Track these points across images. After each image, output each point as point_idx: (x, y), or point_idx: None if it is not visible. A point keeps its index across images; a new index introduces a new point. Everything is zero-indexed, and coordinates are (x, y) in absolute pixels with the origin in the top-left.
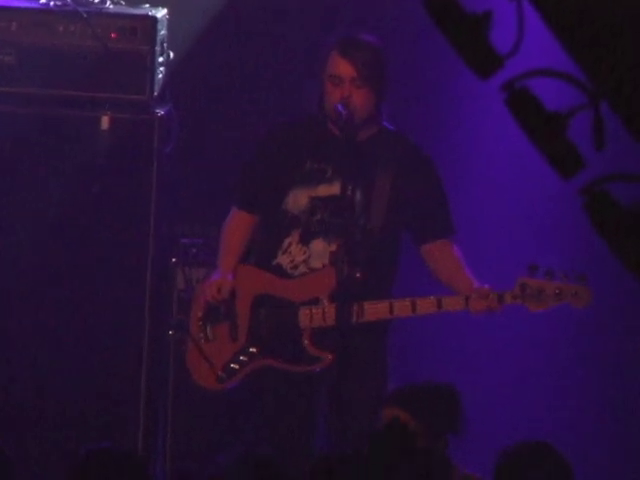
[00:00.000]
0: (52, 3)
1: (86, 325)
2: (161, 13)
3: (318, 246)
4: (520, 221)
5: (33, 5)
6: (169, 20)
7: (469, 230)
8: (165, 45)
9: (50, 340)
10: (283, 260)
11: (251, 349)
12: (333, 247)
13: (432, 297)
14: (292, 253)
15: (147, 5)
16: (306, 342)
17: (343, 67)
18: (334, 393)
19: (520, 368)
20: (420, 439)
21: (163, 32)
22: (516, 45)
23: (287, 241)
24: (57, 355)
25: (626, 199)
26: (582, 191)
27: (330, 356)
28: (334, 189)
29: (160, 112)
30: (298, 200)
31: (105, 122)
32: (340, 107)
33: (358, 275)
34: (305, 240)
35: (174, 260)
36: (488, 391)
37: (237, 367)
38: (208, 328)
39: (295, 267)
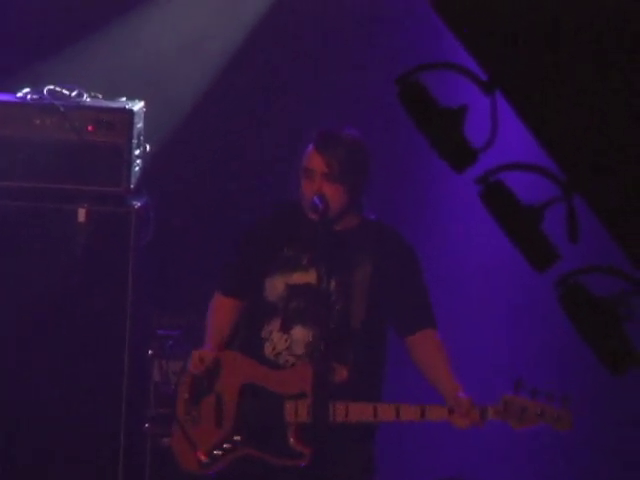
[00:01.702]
0: (29, 97)
1: (63, 418)
2: (138, 106)
3: (298, 333)
4: (501, 310)
5: (10, 98)
6: (146, 112)
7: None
8: (142, 138)
9: (28, 430)
10: (266, 349)
11: (235, 437)
12: (312, 334)
13: (416, 406)
14: (274, 341)
15: (124, 98)
16: (291, 437)
17: (315, 161)
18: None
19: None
20: None
21: (140, 125)
22: (490, 139)
23: (268, 329)
24: (33, 444)
25: (601, 291)
26: (557, 283)
27: (312, 452)
28: (310, 277)
29: (137, 204)
30: (275, 287)
31: (82, 214)
32: (316, 200)
33: (343, 374)
34: (285, 328)
35: (151, 352)
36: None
37: (220, 454)
38: (194, 412)
39: (278, 355)
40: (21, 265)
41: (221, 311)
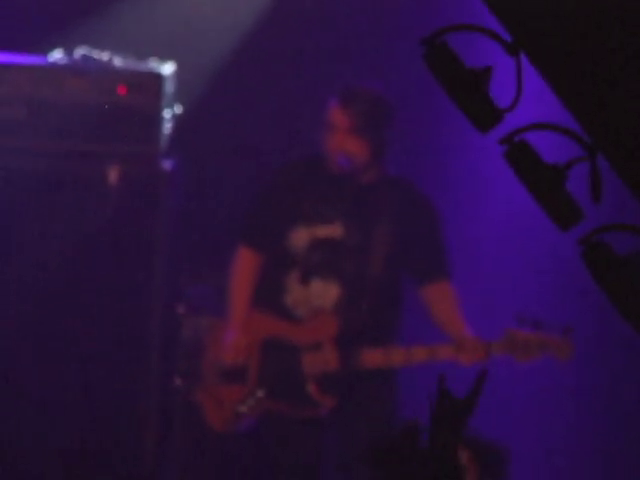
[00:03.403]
0: (61, 59)
1: (93, 377)
2: (168, 68)
3: (317, 286)
4: (518, 264)
5: (41, 61)
6: (176, 75)
7: (468, 270)
8: (172, 100)
9: (57, 392)
10: (286, 299)
11: (258, 393)
12: (332, 288)
13: (425, 347)
14: (293, 292)
15: (155, 60)
16: (311, 388)
17: (338, 117)
18: (342, 437)
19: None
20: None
21: (170, 87)
22: (515, 99)
23: (287, 280)
24: (63, 406)
25: (623, 249)
26: (580, 241)
27: (333, 401)
28: (333, 230)
29: (167, 165)
30: (297, 239)
31: (113, 176)
32: (341, 159)
33: (359, 321)
34: (305, 280)
35: (180, 309)
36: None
37: (246, 410)
38: (219, 371)
39: (296, 306)
40: (52, 226)
41: (246, 266)
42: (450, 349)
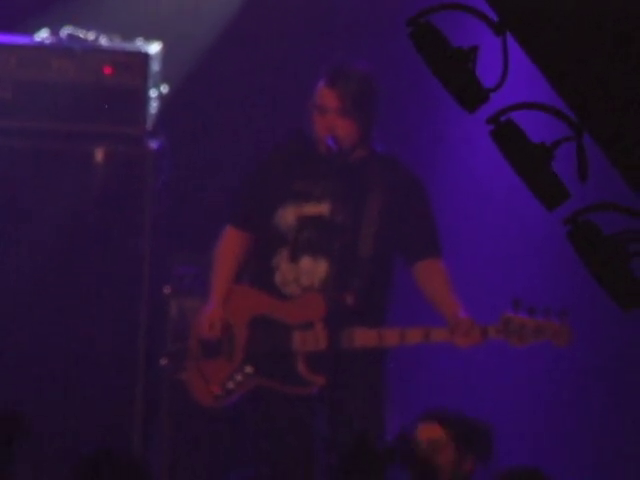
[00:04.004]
0: (47, 39)
1: (80, 355)
2: (154, 48)
3: (306, 264)
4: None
5: (29, 41)
6: (163, 53)
7: (457, 249)
8: (158, 79)
9: (42, 373)
10: (276, 278)
11: (247, 369)
12: (321, 265)
13: (419, 328)
14: (282, 271)
15: (141, 40)
16: (300, 366)
17: (328, 98)
18: (332, 416)
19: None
20: (446, 456)
21: (156, 67)
22: (502, 79)
23: (277, 258)
24: (51, 384)
25: (609, 229)
26: (566, 220)
27: (322, 380)
28: (321, 208)
29: (153, 145)
30: (286, 218)
31: (99, 155)
32: (330, 141)
33: (349, 300)
34: (294, 258)
35: (168, 290)
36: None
37: (233, 386)
38: (206, 347)
39: (286, 284)
40: (39, 205)
41: (228, 250)
42: (445, 331)
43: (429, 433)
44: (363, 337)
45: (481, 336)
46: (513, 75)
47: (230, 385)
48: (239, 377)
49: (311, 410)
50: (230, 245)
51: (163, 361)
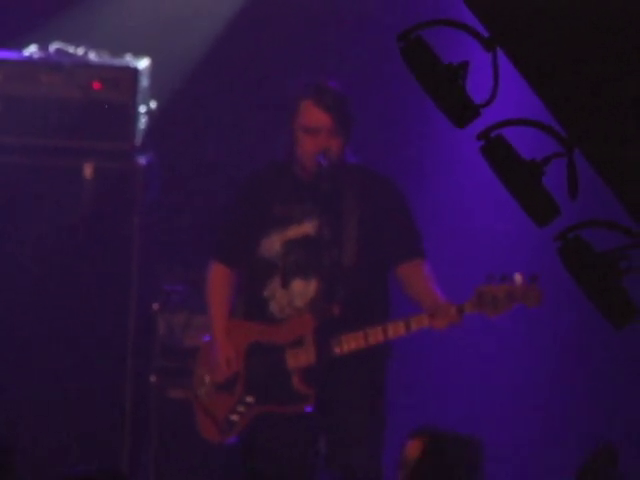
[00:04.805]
0: (36, 54)
1: (70, 371)
2: (143, 63)
3: (298, 286)
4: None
5: (16, 56)
6: (151, 70)
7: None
8: (147, 95)
9: (30, 388)
10: (272, 307)
11: (247, 399)
12: (312, 284)
13: (400, 321)
14: (277, 298)
15: (129, 56)
16: (295, 381)
17: (320, 118)
18: (330, 434)
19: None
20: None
21: (145, 82)
22: (492, 94)
23: (270, 287)
24: (38, 401)
25: (599, 245)
26: (557, 237)
27: (316, 391)
28: (304, 229)
29: (142, 161)
30: (272, 245)
31: (88, 171)
32: (321, 158)
33: (335, 311)
34: (285, 283)
35: (156, 306)
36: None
37: (237, 419)
38: (208, 383)
39: (282, 311)
40: (27, 222)
41: (221, 282)
42: (423, 317)
43: (416, 451)
44: (351, 341)
45: (457, 314)
46: (503, 90)
47: (234, 417)
48: (241, 408)
49: (311, 429)
50: (220, 282)
51: (152, 378)
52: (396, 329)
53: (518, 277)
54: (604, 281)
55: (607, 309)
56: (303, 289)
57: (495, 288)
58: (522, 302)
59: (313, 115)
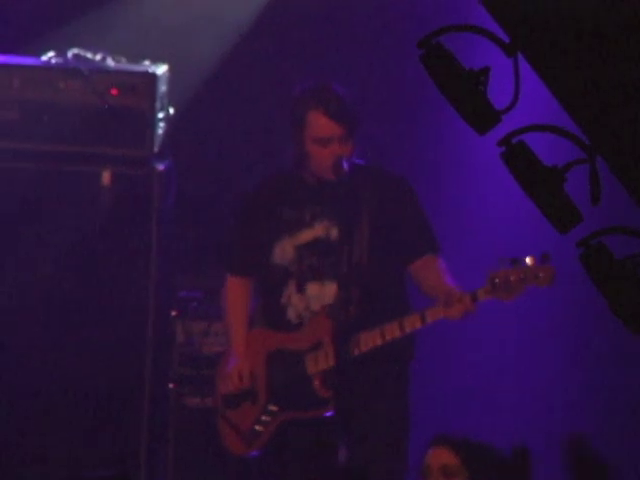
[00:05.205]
0: (53, 60)
1: (88, 378)
2: (161, 69)
3: (313, 290)
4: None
5: (35, 62)
6: (169, 76)
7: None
8: (165, 101)
9: (48, 393)
10: (289, 314)
11: (271, 408)
12: (327, 287)
13: (415, 314)
14: (294, 304)
15: (148, 62)
16: (316, 385)
17: (331, 128)
18: (351, 432)
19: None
20: None
21: (163, 88)
22: (513, 100)
23: (286, 294)
24: (57, 407)
25: (621, 252)
26: (579, 243)
27: (337, 394)
28: (316, 232)
29: (160, 167)
30: (285, 251)
31: (106, 177)
32: (339, 163)
33: (352, 311)
34: (301, 288)
35: (174, 313)
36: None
37: (262, 429)
38: (231, 397)
39: (300, 316)
40: (45, 228)
41: (237, 295)
42: (438, 308)
43: (441, 458)
44: (368, 339)
45: (471, 301)
46: (525, 96)
47: (259, 428)
48: (265, 417)
49: (334, 433)
50: (236, 295)
51: (170, 385)
52: (412, 322)
53: (529, 259)
54: (625, 287)
55: (627, 316)
56: (319, 292)
57: (508, 271)
58: (534, 283)
59: (323, 126)
